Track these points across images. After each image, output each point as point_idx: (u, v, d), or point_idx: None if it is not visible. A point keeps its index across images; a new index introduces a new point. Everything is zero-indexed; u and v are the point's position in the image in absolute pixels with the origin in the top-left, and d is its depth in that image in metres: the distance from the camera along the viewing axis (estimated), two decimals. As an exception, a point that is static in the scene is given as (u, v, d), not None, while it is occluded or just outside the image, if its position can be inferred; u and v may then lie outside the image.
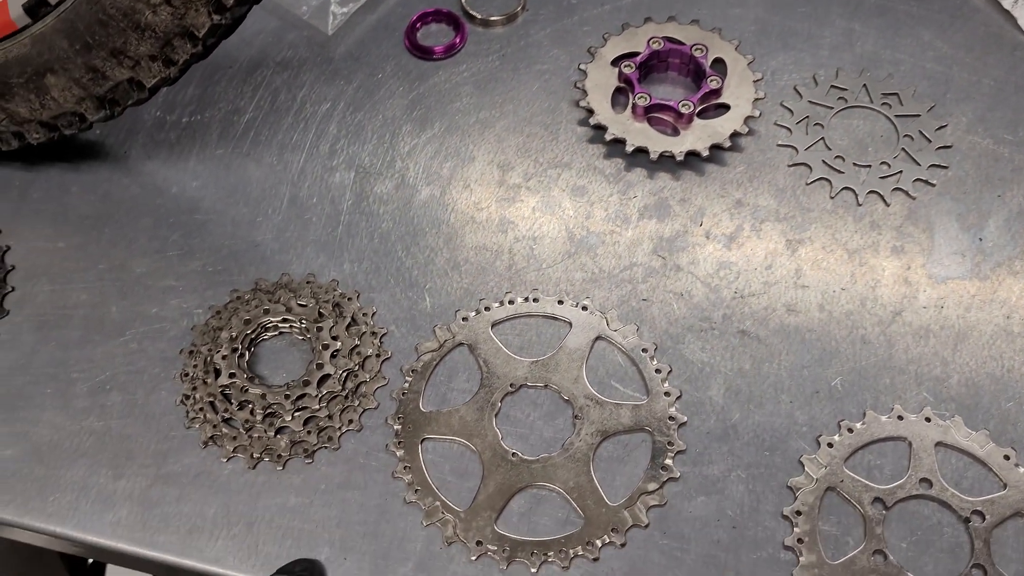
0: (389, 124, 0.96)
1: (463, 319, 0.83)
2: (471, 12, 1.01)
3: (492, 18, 1.01)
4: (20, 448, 0.79)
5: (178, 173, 0.94)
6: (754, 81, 0.93)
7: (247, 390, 0.79)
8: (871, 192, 0.88)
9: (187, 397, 0.81)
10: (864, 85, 0.94)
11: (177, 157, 0.95)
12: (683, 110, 0.90)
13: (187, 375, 0.81)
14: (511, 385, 0.80)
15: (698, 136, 0.90)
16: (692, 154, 0.90)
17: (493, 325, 0.83)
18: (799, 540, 0.73)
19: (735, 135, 0.90)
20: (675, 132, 0.91)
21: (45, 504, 0.77)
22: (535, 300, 0.84)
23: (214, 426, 0.79)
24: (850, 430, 0.77)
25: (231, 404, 0.79)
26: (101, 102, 0.82)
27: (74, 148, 0.96)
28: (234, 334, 0.81)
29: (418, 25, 1.02)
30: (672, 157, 0.90)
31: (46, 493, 0.77)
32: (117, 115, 0.83)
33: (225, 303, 0.85)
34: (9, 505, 0.77)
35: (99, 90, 0.81)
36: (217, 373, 0.80)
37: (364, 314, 0.84)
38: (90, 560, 1.47)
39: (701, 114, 0.92)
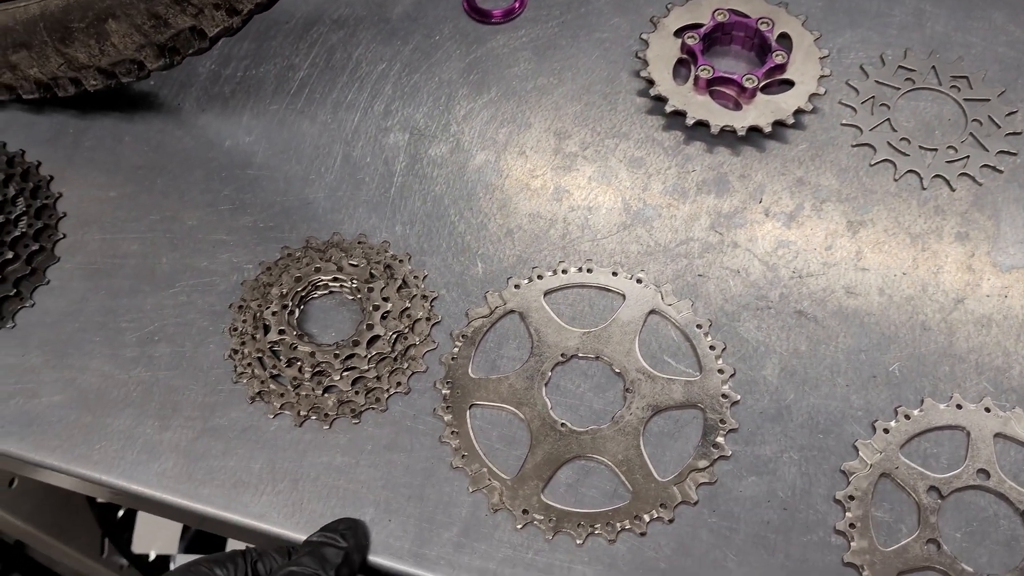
0: (445, 87, 0.94)
1: (515, 286, 0.82)
2: (532, -23, 1.00)
3: (553, -16, 0.99)
4: (68, 395, 0.79)
5: (231, 127, 0.93)
6: (820, 58, 0.91)
7: (296, 347, 0.78)
8: (936, 176, 0.86)
9: (235, 352, 0.80)
10: (933, 67, 0.92)
11: (231, 111, 0.94)
12: (747, 84, 0.88)
13: (236, 330, 0.81)
14: (562, 355, 0.79)
15: (761, 112, 0.88)
16: (754, 129, 0.88)
17: (545, 294, 0.82)
18: (851, 525, 0.71)
19: (799, 112, 0.88)
20: (737, 107, 0.89)
21: (91, 451, 0.77)
22: (589, 270, 0.83)
23: (262, 382, 0.78)
24: (907, 417, 0.75)
25: (280, 361, 0.78)
26: (161, 50, 0.81)
27: (128, 98, 0.95)
28: (284, 291, 0.81)
29: (477, -12, 1.00)
30: (733, 132, 0.88)
31: (92, 441, 0.77)
32: (176, 64, 0.82)
33: (276, 259, 0.85)
34: (56, 451, 0.77)
35: (160, 38, 0.80)
36: (266, 329, 0.79)
37: (415, 277, 0.83)
38: (120, 512, 1.48)
39: (764, 89, 0.90)
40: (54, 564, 1.87)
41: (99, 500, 1.49)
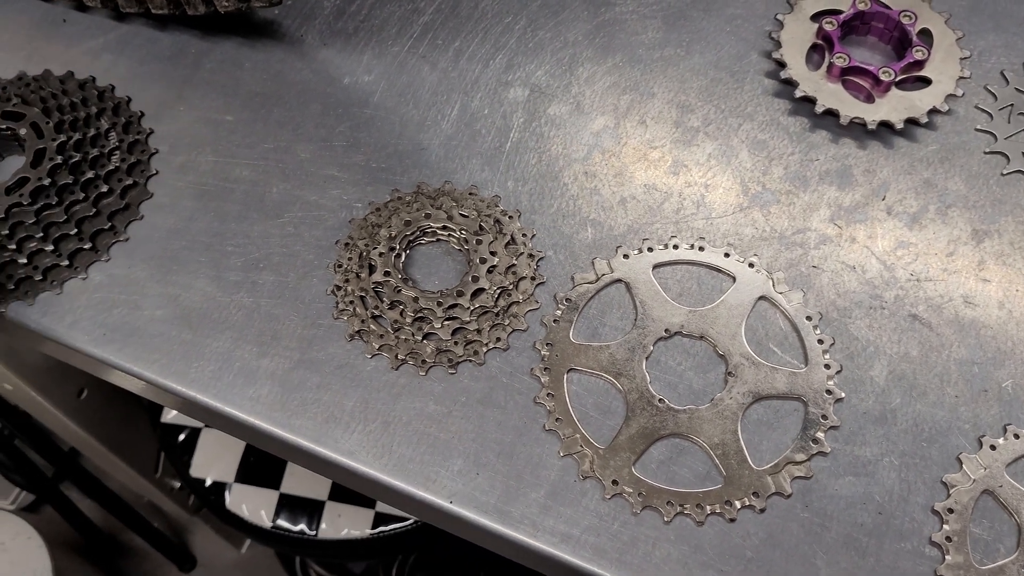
0: (570, 47, 0.93)
1: (624, 256, 0.81)
2: (668, -56, 0.97)
3: (688, -46, 0.97)
4: (170, 310, 0.80)
5: (352, 64, 0.92)
6: (960, 59, 0.88)
7: (400, 291, 0.78)
8: (1070, 194, 0.83)
9: (338, 288, 0.80)
10: (1078, 80, 0.88)
11: (352, 48, 0.93)
12: (883, 77, 0.85)
13: (341, 266, 0.81)
14: (666, 331, 0.78)
15: (894, 107, 0.86)
16: (884, 124, 0.85)
17: (654, 267, 0.81)
18: (947, 538, 0.69)
19: (933, 112, 0.85)
20: (869, 99, 0.87)
21: (188, 369, 0.78)
22: (701, 248, 0.81)
23: (362, 321, 0.78)
24: (1016, 436, 0.73)
25: (382, 302, 0.78)
26: (299, -22, 0.81)
27: (251, 25, 0.95)
28: (393, 233, 0.80)
29: (610, -50, 0.98)
30: (863, 124, 0.85)
31: (191, 359, 0.78)
32: (312, -6, 0.82)
33: (385, 201, 0.84)
34: (154, 364, 0.78)
35: (299, -35, 0.79)
36: (372, 269, 0.79)
37: (524, 235, 0.82)
38: (181, 436, 1.51)
39: (899, 84, 0.87)
40: (105, 476, 1.92)
41: (163, 420, 1.52)
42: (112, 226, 0.84)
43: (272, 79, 0.92)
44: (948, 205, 0.83)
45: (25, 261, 0.80)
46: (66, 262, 0.82)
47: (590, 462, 0.73)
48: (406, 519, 1.43)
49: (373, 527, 1.43)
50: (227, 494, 1.46)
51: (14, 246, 0.79)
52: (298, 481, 1.46)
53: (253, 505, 1.45)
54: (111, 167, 0.85)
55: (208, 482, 1.47)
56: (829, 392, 0.75)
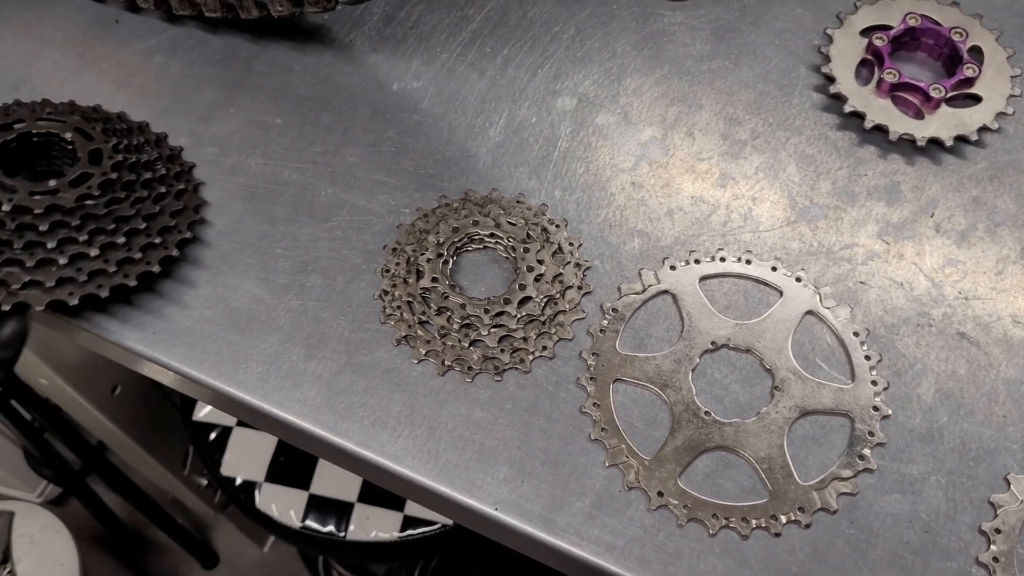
0: (618, 57, 0.93)
1: (671, 267, 0.81)
2: (716, -43, 0.97)
3: (737, -34, 0.97)
4: (219, 311, 0.81)
5: (400, 70, 0.93)
6: (1011, 77, 0.87)
7: (447, 297, 0.78)
8: (1121, 215, 0.83)
9: (386, 293, 0.80)
10: None
11: (401, 54, 0.94)
12: (933, 94, 0.85)
13: (388, 271, 0.81)
14: (712, 343, 0.78)
15: (943, 124, 0.85)
16: (934, 141, 0.85)
17: (701, 279, 0.81)
18: (995, 559, 0.69)
19: (983, 129, 0.85)
20: (919, 115, 0.87)
21: (237, 370, 0.78)
22: (748, 262, 0.81)
23: (409, 326, 0.79)
24: (1065, 458, 0.73)
25: (429, 308, 0.79)
26: (356, -17, 0.81)
27: (300, 29, 0.96)
28: (441, 239, 0.81)
29: (659, -39, 0.98)
30: (912, 141, 0.85)
31: (239, 360, 0.79)
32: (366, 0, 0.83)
33: (433, 207, 0.85)
34: (203, 364, 0.78)
35: (357, -29, 0.80)
36: (419, 275, 0.80)
37: (570, 244, 0.82)
38: (212, 435, 1.52)
39: (949, 101, 0.87)
40: (131, 472, 1.93)
41: (195, 418, 1.53)
42: (176, 224, 0.81)
43: (321, 83, 0.93)
44: (997, 223, 0.83)
45: (97, 253, 0.77)
46: (139, 255, 0.78)
47: (635, 473, 0.73)
48: (434, 522, 1.44)
49: (401, 530, 1.43)
50: (257, 493, 1.47)
51: (85, 237, 0.77)
52: (328, 482, 1.47)
53: (283, 505, 1.46)
54: (162, 171, 0.84)
55: (238, 481, 1.48)
56: (876, 409, 0.75)
